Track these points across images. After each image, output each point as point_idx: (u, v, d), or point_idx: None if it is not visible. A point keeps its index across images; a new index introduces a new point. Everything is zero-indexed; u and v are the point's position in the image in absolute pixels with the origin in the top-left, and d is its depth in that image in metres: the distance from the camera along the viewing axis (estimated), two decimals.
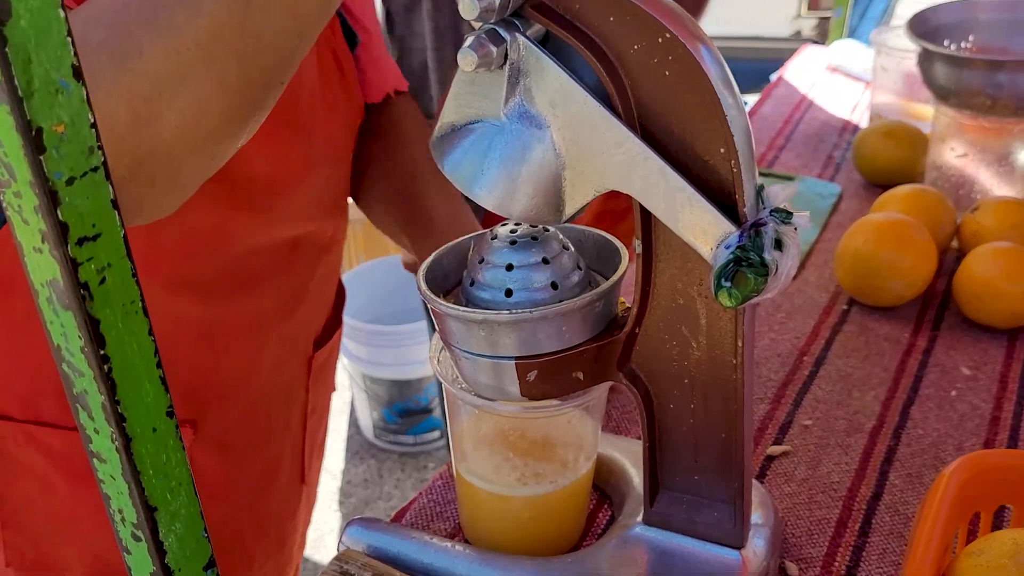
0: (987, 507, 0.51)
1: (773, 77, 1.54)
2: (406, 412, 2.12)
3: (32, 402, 0.66)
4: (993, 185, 0.96)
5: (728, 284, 0.45)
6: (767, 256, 0.45)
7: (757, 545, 0.57)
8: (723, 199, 0.46)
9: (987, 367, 0.80)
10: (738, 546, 0.56)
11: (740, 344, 0.49)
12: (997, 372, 0.79)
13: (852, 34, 1.67)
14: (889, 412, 0.75)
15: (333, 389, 0.92)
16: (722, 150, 0.45)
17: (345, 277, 2.05)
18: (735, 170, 0.45)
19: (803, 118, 1.36)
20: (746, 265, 0.45)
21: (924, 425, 0.73)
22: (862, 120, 1.34)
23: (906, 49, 1.16)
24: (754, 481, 0.59)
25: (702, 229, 0.46)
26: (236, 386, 0.72)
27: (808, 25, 3.00)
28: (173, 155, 0.43)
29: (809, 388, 0.78)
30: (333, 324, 0.85)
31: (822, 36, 2.85)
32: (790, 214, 0.46)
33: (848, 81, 1.50)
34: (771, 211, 0.46)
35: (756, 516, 0.59)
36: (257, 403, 0.74)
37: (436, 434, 2.16)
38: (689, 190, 0.45)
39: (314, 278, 0.77)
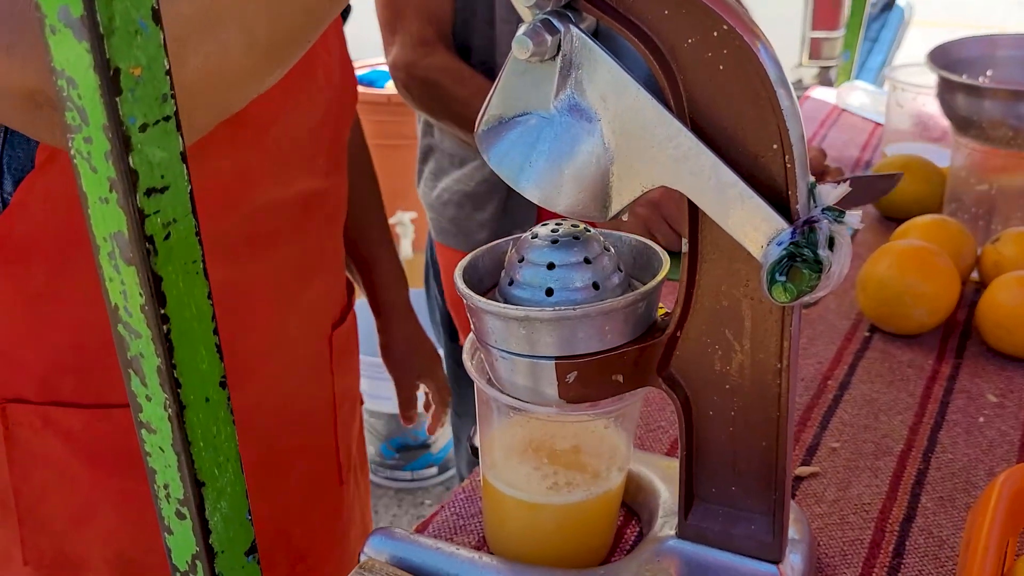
0: None
1: None
2: (404, 447, 2.10)
3: (50, 381, 0.64)
4: (1013, 217, 0.96)
5: (783, 279, 0.44)
6: (821, 253, 0.44)
7: (794, 561, 0.56)
8: (774, 196, 0.45)
9: (1014, 395, 0.79)
10: (776, 560, 0.54)
11: (787, 345, 0.49)
12: None
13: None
14: (917, 436, 0.74)
15: (360, 400, 0.91)
16: (775, 146, 0.45)
17: None
18: (788, 166, 0.45)
19: None
20: (800, 261, 0.44)
21: (953, 450, 0.72)
22: (874, 157, 1.34)
23: (921, 85, 1.18)
24: None
25: (754, 226, 0.45)
26: (258, 363, 0.70)
27: (809, 74, 3.04)
28: (191, 97, 0.43)
29: (835, 412, 0.77)
30: (346, 308, 0.85)
31: (823, 84, 2.89)
32: (843, 213, 0.46)
33: (857, 121, 1.51)
34: (823, 209, 0.46)
35: (792, 532, 0.57)
36: (280, 382, 0.73)
37: (434, 470, 2.13)
38: (741, 185, 0.45)
39: (325, 247, 0.77)
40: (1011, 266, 0.88)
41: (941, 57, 0.95)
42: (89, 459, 0.65)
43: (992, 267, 0.90)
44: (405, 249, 2.50)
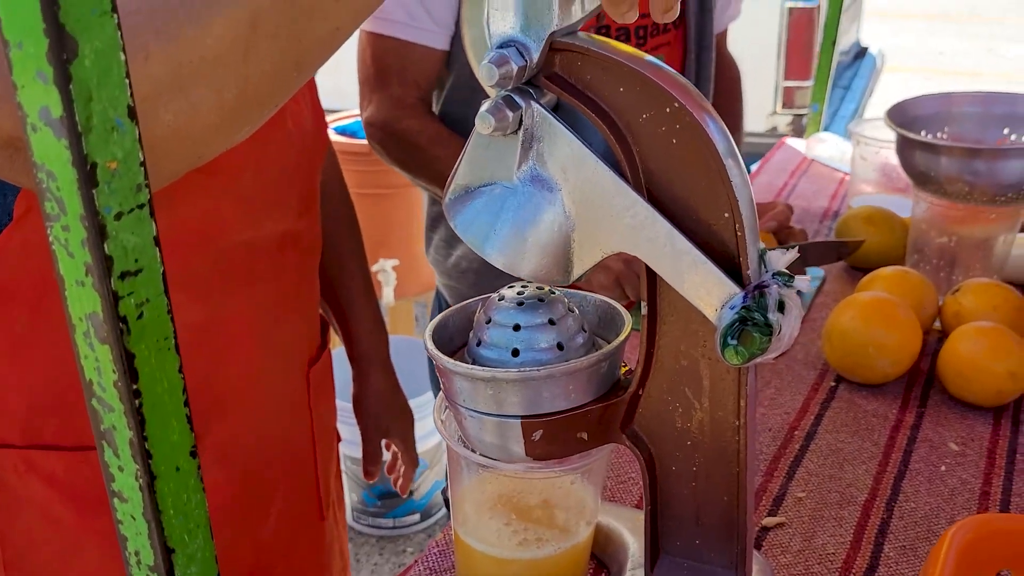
0: (988, 570, 0.51)
1: (753, 169, 1.59)
2: (386, 494, 2.09)
3: (33, 425, 0.65)
4: (973, 268, 0.99)
5: (734, 342, 0.46)
6: (771, 316, 0.46)
7: None
8: (727, 263, 0.47)
9: (974, 443, 0.81)
10: None
11: (743, 404, 0.50)
12: (984, 448, 0.80)
13: (825, 130, 1.74)
14: (881, 486, 0.75)
15: (338, 437, 0.92)
16: (726, 215, 0.47)
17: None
18: (739, 234, 0.47)
19: None
20: (751, 324, 0.46)
21: (916, 499, 0.74)
22: (841, 207, 1.38)
23: (883, 140, 1.21)
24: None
25: (707, 290, 0.47)
26: (236, 397, 0.71)
27: (783, 121, 3.11)
28: (161, 149, 0.45)
29: (801, 461, 0.79)
30: (322, 346, 0.87)
31: (796, 132, 2.95)
32: (792, 277, 0.48)
33: (826, 171, 1.55)
34: (773, 274, 0.48)
35: None
36: (259, 418, 0.74)
37: (416, 517, 2.13)
38: (695, 253, 0.47)
39: (301, 286, 0.79)
40: (971, 316, 0.91)
41: (899, 115, 0.99)
42: (73, 502, 0.66)
43: (953, 317, 0.93)
44: (387, 296, 2.52)
